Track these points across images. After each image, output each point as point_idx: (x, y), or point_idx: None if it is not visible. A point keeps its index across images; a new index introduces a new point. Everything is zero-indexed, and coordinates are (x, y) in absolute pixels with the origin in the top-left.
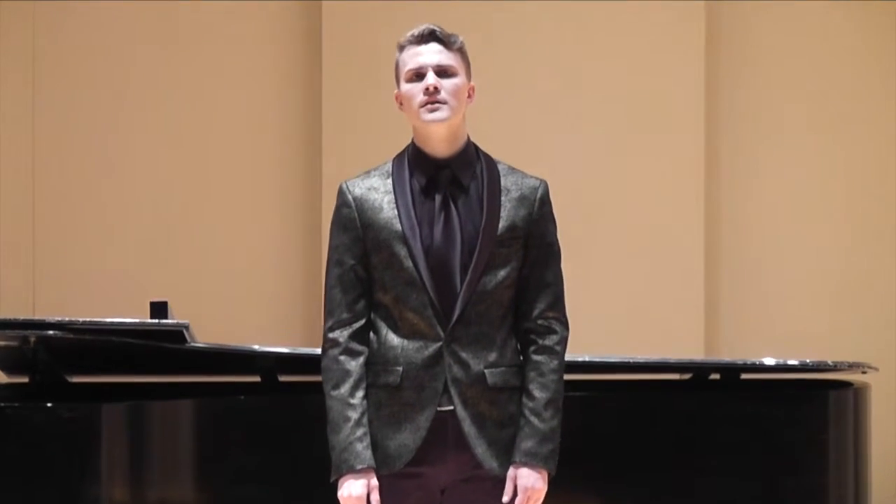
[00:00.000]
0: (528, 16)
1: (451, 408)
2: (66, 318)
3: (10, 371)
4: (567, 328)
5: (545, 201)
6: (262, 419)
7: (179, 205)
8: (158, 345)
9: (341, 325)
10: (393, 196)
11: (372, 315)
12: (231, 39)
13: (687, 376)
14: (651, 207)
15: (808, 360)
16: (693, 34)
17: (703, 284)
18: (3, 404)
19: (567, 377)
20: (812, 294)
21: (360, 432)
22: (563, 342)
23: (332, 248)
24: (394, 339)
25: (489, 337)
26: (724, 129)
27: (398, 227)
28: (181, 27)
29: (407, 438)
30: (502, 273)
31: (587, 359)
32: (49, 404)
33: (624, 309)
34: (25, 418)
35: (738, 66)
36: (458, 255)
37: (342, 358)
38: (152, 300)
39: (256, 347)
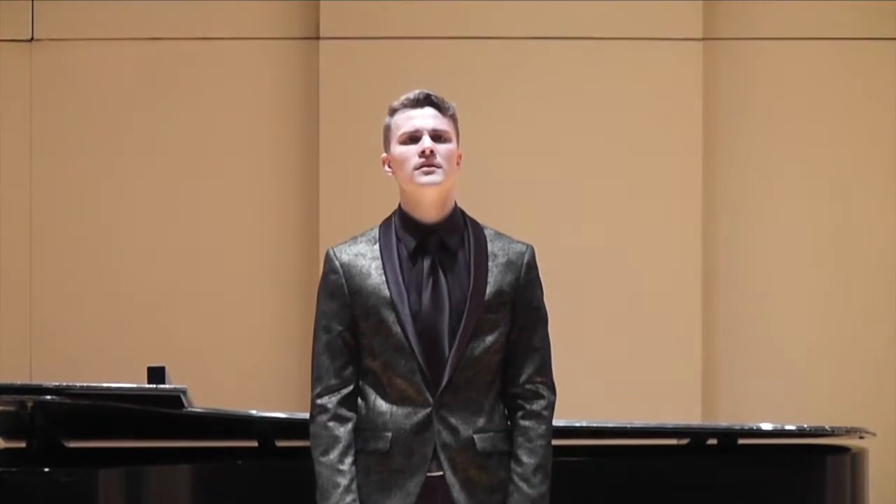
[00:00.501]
0: (520, 68)
1: (441, 473)
2: (64, 383)
3: (7, 436)
4: (554, 393)
5: (532, 266)
6: (259, 484)
7: (177, 270)
8: (156, 410)
9: (330, 391)
10: (380, 262)
11: (360, 381)
12: (228, 102)
13: (684, 441)
14: (647, 271)
15: (805, 426)
16: (690, 107)
17: (701, 349)
18: (0, 469)
19: (564, 442)
20: (811, 359)
21: (349, 499)
22: (551, 407)
23: (320, 315)
24: (382, 404)
25: (477, 402)
26: (720, 189)
27: (386, 293)
28: (177, 75)
29: None
30: (490, 339)
31: (584, 424)
32: (46, 469)
33: (621, 373)
34: (23, 483)
35: (736, 124)
36: (447, 320)
37: (331, 424)
38: (150, 365)
39: (254, 412)
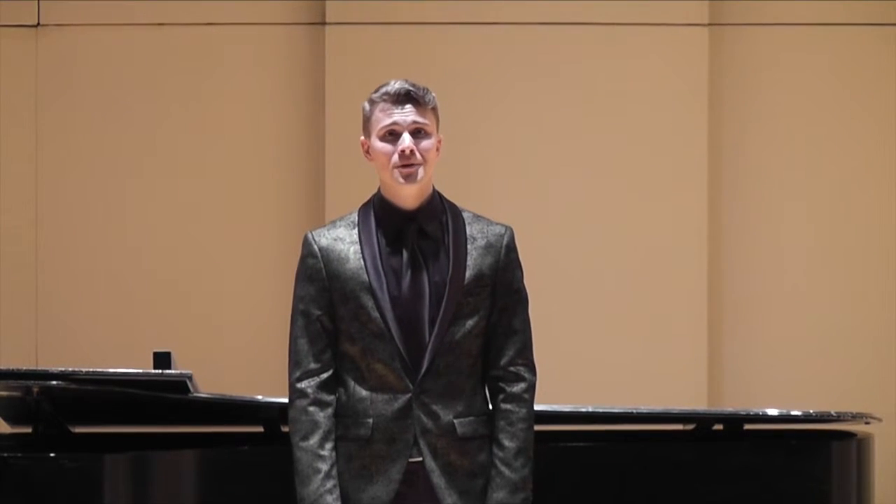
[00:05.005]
0: (525, 54)
1: (421, 459)
2: (69, 369)
3: (12, 421)
4: (535, 374)
5: (511, 248)
6: (264, 470)
7: (183, 256)
8: (161, 395)
9: (309, 375)
10: (359, 246)
11: (337, 366)
12: (233, 88)
13: (690, 427)
14: (654, 258)
15: (811, 411)
16: (695, 93)
17: (706, 334)
18: (6, 455)
19: (570, 428)
20: (816, 345)
21: (329, 484)
22: (532, 389)
23: (298, 299)
24: (362, 391)
25: (458, 387)
26: (726, 173)
27: (365, 278)
28: (183, 61)
29: (380, 491)
30: (470, 322)
31: (590, 409)
32: (52, 455)
33: (627, 359)
34: (28, 469)
35: (741, 109)
36: (426, 306)
37: (311, 409)
38: (156, 350)
39: (259, 398)
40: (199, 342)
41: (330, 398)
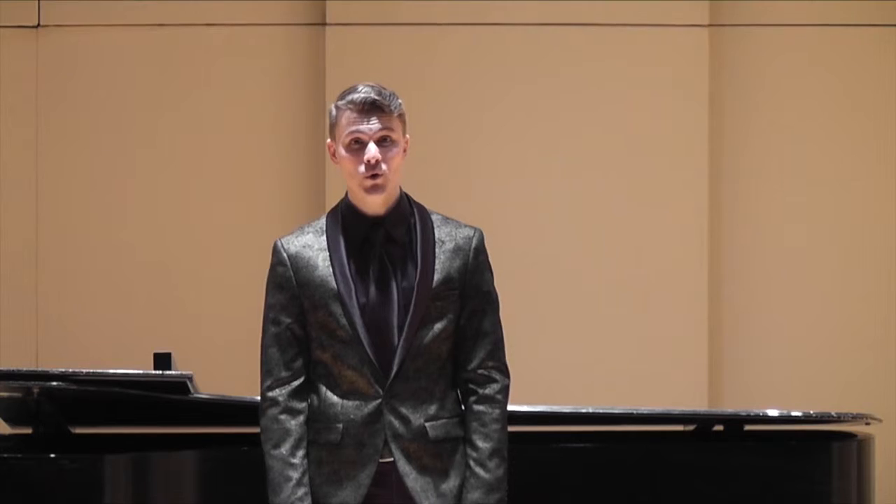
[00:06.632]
0: (525, 55)
1: (392, 460)
2: (70, 370)
3: (13, 422)
4: (507, 376)
5: (480, 250)
6: (264, 470)
7: (184, 257)
8: (162, 396)
9: (280, 383)
10: (328, 253)
11: (311, 373)
12: (234, 89)
13: (690, 428)
14: (654, 259)
15: (811, 412)
16: (695, 93)
17: (707, 335)
18: (6, 455)
19: (570, 428)
20: (816, 345)
21: (300, 492)
22: (505, 391)
23: (268, 307)
24: (333, 397)
25: (428, 390)
26: (726, 175)
27: (333, 285)
28: (183, 61)
29: (348, 496)
30: (439, 326)
31: (591, 410)
32: (52, 455)
33: (627, 360)
34: (28, 469)
35: (742, 110)
36: (395, 311)
37: (282, 417)
38: (156, 351)
39: (259, 399)
40: (199, 343)
41: (301, 406)
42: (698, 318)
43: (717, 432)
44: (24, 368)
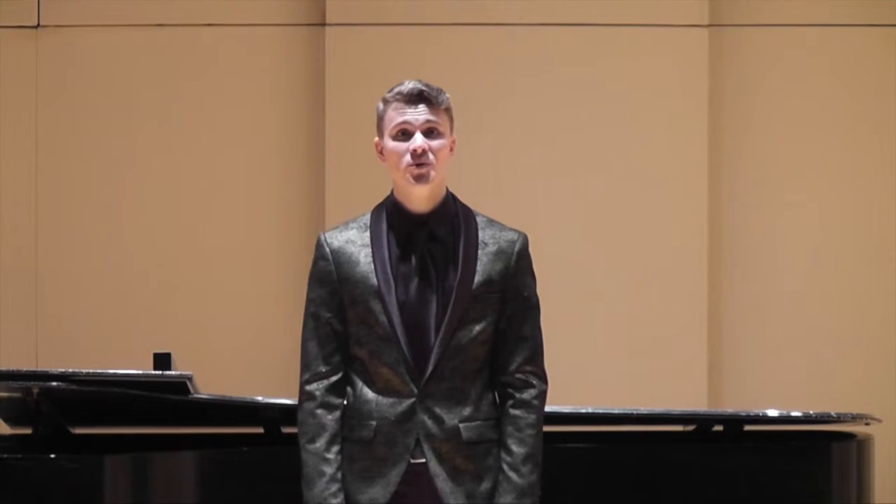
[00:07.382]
0: (525, 55)
1: (424, 461)
2: (70, 370)
3: (13, 422)
4: (545, 382)
5: (523, 255)
6: (264, 471)
7: (183, 257)
8: (161, 396)
9: (318, 378)
10: (370, 250)
11: (348, 369)
12: (234, 89)
13: (690, 428)
14: (653, 258)
15: (811, 412)
16: (695, 93)
17: (707, 335)
18: (6, 455)
19: (570, 429)
20: (816, 345)
21: (334, 488)
22: (542, 396)
23: (309, 301)
24: (368, 393)
25: (463, 391)
26: (726, 175)
27: (374, 281)
28: (183, 62)
29: (377, 493)
30: (477, 328)
31: (590, 410)
32: (52, 455)
33: (627, 360)
34: (28, 470)
35: (741, 110)
36: (433, 311)
37: (319, 412)
38: (156, 352)
39: (259, 399)
40: (199, 343)
41: (338, 401)
42: (698, 318)
43: (717, 432)
44: (24, 369)
